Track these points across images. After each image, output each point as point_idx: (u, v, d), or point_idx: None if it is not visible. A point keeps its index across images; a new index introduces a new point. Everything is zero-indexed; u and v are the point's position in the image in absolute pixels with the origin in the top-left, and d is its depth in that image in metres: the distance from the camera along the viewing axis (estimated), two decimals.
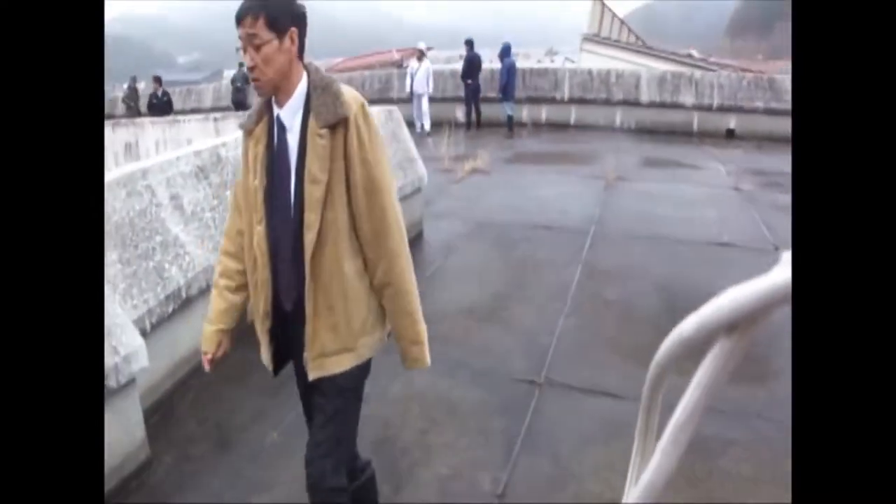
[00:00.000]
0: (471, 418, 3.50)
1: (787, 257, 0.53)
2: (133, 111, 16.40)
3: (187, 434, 3.47)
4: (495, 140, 13.11)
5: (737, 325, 0.55)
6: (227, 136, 5.06)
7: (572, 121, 15.16)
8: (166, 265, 3.71)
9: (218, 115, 8.43)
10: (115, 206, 3.49)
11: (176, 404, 3.70)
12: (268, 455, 3.28)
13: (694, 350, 0.61)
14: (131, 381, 3.07)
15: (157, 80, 16.33)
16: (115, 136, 8.92)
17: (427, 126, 14.10)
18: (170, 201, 3.89)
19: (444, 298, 5.11)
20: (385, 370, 4.05)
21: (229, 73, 21.13)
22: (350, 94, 2.00)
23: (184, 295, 3.78)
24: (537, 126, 15.22)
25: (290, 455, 3.26)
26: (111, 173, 3.62)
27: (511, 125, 14.11)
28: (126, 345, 3.02)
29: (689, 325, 0.59)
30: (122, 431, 3.06)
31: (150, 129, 8.50)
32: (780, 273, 0.51)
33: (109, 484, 2.95)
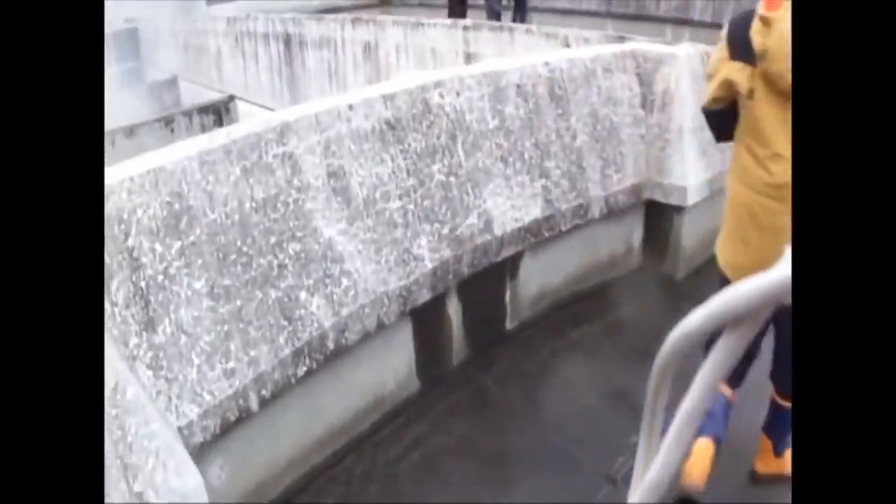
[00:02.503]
0: None
1: (789, 253, 0.53)
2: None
3: None
4: None
5: (742, 319, 0.56)
6: (456, 71, 3.30)
7: None
8: (302, 295, 2.14)
9: (468, 22, 6.70)
10: (215, 195, 1.95)
11: None
12: None
13: (698, 345, 0.59)
14: None
15: None
16: (354, 34, 7.61)
17: None
18: (326, 181, 2.26)
19: None
20: None
21: None
22: None
23: (331, 345, 2.22)
24: None
25: None
26: (216, 134, 2.07)
27: None
28: (167, 488, 1.53)
29: (694, 319, 0.59)
30: None
31: (391, 30, 7.04)
32: (784, 268, 0.51)
33: None
